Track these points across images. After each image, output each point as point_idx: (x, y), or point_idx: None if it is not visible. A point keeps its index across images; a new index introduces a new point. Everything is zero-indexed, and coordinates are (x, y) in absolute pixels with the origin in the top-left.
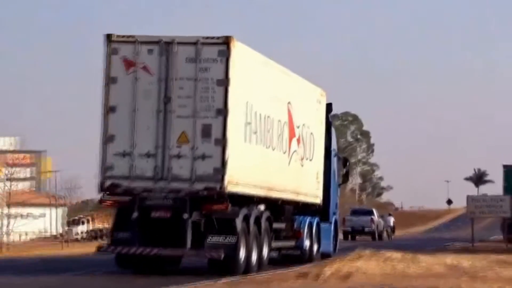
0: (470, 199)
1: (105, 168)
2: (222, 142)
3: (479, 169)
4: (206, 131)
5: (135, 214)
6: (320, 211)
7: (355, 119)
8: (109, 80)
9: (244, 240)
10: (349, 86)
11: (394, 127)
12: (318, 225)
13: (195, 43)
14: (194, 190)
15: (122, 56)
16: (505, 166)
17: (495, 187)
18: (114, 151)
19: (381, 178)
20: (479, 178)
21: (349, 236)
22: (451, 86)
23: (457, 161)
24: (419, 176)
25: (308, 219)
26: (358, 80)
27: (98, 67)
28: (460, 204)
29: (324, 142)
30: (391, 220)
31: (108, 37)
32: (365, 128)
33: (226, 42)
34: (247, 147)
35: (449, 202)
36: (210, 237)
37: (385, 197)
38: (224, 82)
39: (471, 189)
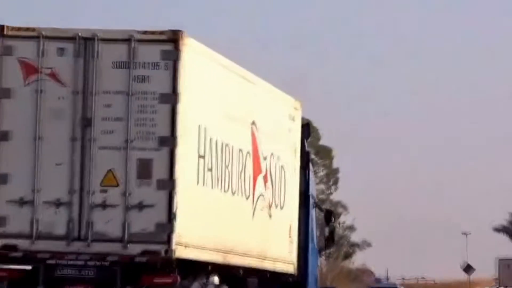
0: (502, 265)
1: None
2: (168, 185)
3: None
4: (145, 169)
5: None
6: (295, 286)
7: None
8: (0, 94)
9: None
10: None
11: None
12: None
13: (127, 40)
14: (127, 255)
15: (19, 57)
16: None
17: None
18: (7, 197)
19: (351, 228)
20: None
21: None
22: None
23: (478, 201)
24: (414, 225)
25: None
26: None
27: None
28: (485, 271)
29: (298, 181)
30: None
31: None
32: (323, 142)
33: (173, 39)
34: (199, 191)
35: (468, 268)
36: None
37: (358, 259)
38: (171, 98)
39: (504, 247)
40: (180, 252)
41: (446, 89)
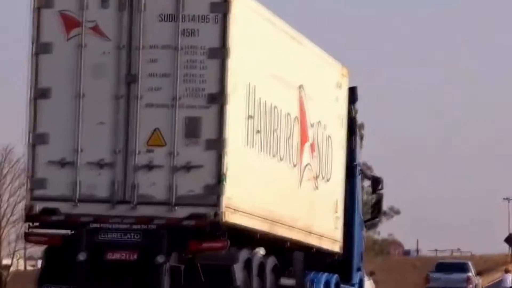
0: None
1: (33, 184)
2: (218, 145)
3: None
4: (193, 128)
5: (81, 256)
6: (340, 265)
7: None
8: (40, 49)
9: None
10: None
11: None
12: None
13: None
14: (174, 219)
15: (60, 10)
16: None
17: None
18: (47, 158)
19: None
20: None
21: None
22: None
23: None
24: (448, 192)
25: (323, 278)
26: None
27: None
28: None
29: (345, 151)
30: (508, 279)
31: None
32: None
33: None
34: (248, 154)
35: (511, 240)
36: None
37: (384, 230)
38: (221, 53)
39: None
40: (229, 216)
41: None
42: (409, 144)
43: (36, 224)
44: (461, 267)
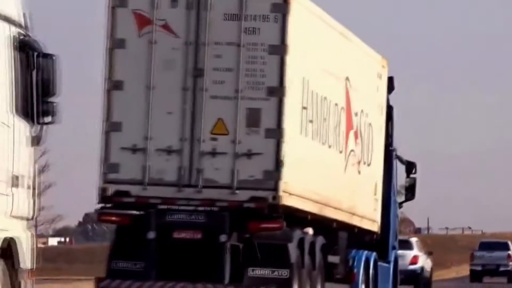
0: None
1: (107, 168)
2: (276, 134)
3: None
4: (254, 118)
5: (151, 235)
6: (378, 244)
7: None
8: (114, 44)
9: (297, 276)
10: None
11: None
12: (375, 264)
13: None
14: (236, 201)
15: (133, 9)
16: None
17: None
18: (120, 144)
19: None
20: None
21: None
22: None
23: None
24: (457, 165)
25: (364, 255)
26: None
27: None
28: None
29: (383, 139)
30: None
31: None
32: None
33: None
34: (302, 142)
35: None
36: (251, 270)
37: None
38: (280, 50)
39: None
40: (286, 199)
41: None
42: None
43: (109, 205)
44: (502, 246)
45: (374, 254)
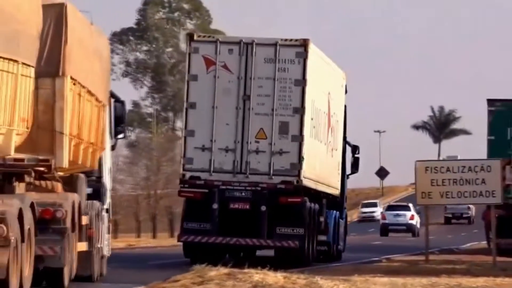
0: (420, 168)
1: (185, 161)
2: (299, 139)
3: (440, 108)
4: (284, 128)
5: (215, 206)
6: (337, 204)
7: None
8: (190, 78)
9: (308, 233)
10: None
11: None
12: (338, 221)
13: (274, 44)
14: (272, 184)
15: (202, 55)
16: (491, 102)
17: (471, 142)
18: (194, 145)
19: None
20: (441, 126)
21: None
22: None
23: (397, 96)
24: None
25: (334, 214)
26: None
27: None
28: (403, 179)
29: (343, 130)
30: None
31: (190, 36)
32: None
33: (303, 44)
34: (311, 142)
35: (382, 172)
36: (279, 228)
37: None
38: (301, 83)
39: (426, 148)
40: (304, 182)
41: None
42: None
43: (186, 186)
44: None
45: (337, 213)
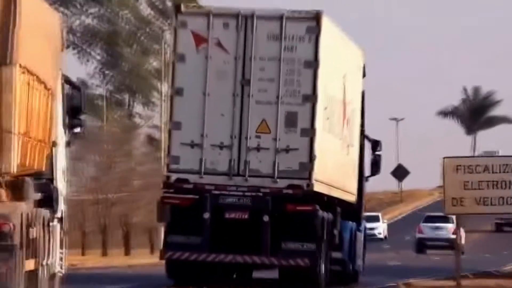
0: (449, 166)
1: (170, 160)
2: (310, 133)
3: (475, 90)
4: (291, 120)
5: (206, 215)
6: (354, 213)
7: None
8: (177, 58)
9: (320, 248)
10: None
11: None
12: (355, 234)
13: (279, 18)
14: (276, 188)
15: (191, 30)
16: None
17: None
18: (181, 140)
19: None
20: (476, 112)
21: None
22: None
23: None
24: None
25: (349, 225)
26: None
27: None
28: (427, 181)
29: (360, 122)
30: None
31: (176, 8)
32: None
33: (315, 17)
34: (324, 137)
35: (400, 172)
36: (285, 243)
37: None
38: (313, 64)
39: (457, 141)
40: (316, 186)
41: None
42: None
43: (171, 190)
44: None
45: (354, 224)
